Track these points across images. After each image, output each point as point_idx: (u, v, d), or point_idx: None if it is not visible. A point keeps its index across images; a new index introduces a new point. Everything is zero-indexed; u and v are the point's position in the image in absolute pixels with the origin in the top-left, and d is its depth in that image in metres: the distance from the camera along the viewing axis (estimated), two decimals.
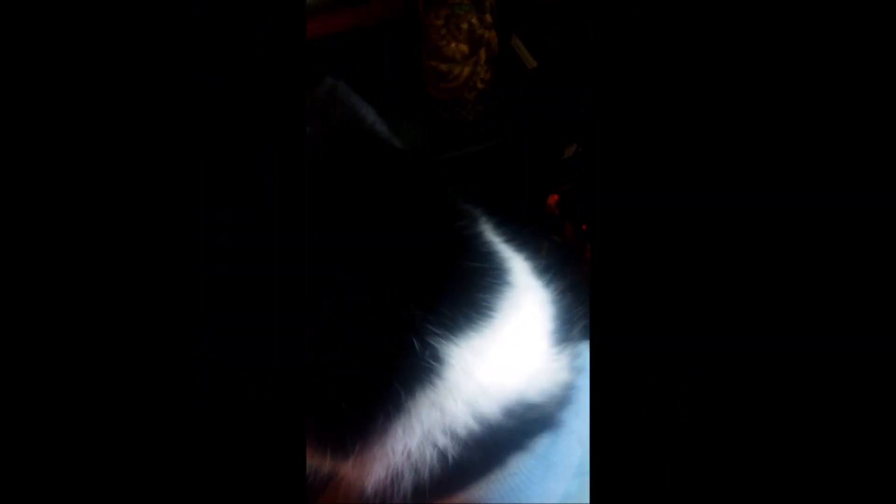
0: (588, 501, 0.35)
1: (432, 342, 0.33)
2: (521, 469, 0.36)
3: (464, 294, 0.35)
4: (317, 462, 0.35)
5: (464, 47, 1.27)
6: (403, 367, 0.33)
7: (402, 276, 0.34)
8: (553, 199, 1.11)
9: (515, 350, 0.37)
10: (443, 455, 0.34)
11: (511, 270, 0.38)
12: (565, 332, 0.40)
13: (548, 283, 0.41)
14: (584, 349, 0.40)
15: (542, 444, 0.37)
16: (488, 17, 1.30)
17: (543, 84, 1.26)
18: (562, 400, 0.38)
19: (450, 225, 0.36)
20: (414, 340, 0.33)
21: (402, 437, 0.34)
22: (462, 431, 0.34)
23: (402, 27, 1.33)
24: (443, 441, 0.34)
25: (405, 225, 0.35)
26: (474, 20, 1.29)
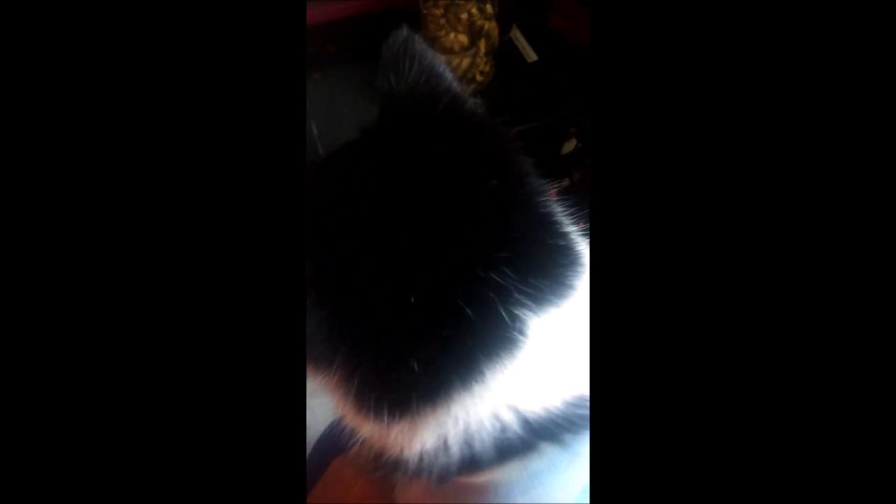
0: (588, 502, 0.35)
1: (520, 313, 0.32)
2: (547, 456, 0.35)
3: (548, 268, 0.34)
4: (369, 419, 0.34)
5: (463, 38, 1.24)
6: (488, 336, 0.32)
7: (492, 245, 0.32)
8: (551, 194, 1.25)
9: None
10: (502, 430, 0.33)
11: (583, 253, 0.36)
12: None
13: None
14: None
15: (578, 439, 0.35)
16: (489, 8, 1.26)
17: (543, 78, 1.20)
18: None
19: (530, 201, 0.35)
20: (503, 309, 0.31)
21: (469, 406, 0.32)
22: (524, 410, 0.33)
23: (401, 16, 1.29)
24: (506, 416, 0.33)
25: (488, 195, 0.34)
26: (474, 10, 1.25)
